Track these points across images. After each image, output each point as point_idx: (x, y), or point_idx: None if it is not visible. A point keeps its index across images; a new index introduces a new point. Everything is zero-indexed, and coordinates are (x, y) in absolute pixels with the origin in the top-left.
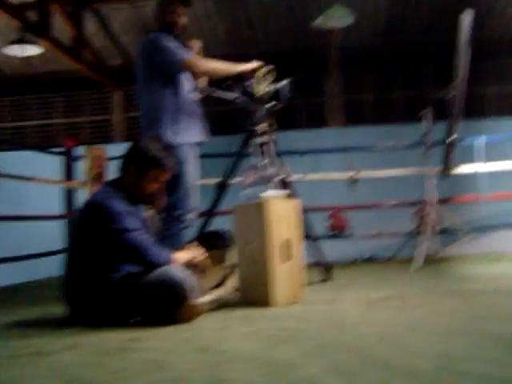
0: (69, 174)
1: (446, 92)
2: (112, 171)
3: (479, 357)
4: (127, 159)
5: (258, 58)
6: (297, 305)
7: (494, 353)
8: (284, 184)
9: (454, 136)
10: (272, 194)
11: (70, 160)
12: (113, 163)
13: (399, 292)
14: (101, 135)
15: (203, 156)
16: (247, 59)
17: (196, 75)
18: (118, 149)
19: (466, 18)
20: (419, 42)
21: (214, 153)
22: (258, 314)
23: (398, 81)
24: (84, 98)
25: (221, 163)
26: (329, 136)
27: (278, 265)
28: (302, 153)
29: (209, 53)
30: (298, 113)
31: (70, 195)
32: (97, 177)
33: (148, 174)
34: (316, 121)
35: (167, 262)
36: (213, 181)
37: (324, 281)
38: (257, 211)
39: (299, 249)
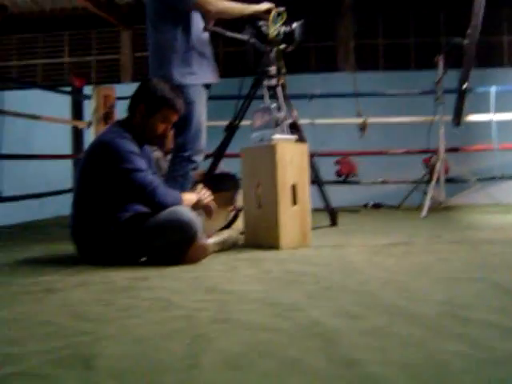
0: (77, 114)
1: (461, 39)
2: (120, 111)
3: (482, 305)
4: (136, 99)
5: None
6: (303, 248)
7: (497, 302)
8: (293, 128)
9: (466, 84)
10: (281, 137)
11: (78, 99)
12: (121, 103)
13: (406, 239)
14: (109, 75)
15: (210, 98)
16: (257, 1)
17: (209, 15)
18: (127, 89)
19: None
20: None
21: (222, 95)
22: (265, 256)
23: (411, 26)
24: (92, 37)
25: (228, 105)
26: (339, 81)
27: (285, 208)
28: (311, 97)
29: None
30: (308, 56)
31: (77, 135)
32: (105, 117)
33: (157, 114)
34: (327, 65)
35: (175, 203)
36: (221, 123)
37: (330, 226)
38: (266, 154)
39: (306, 193)
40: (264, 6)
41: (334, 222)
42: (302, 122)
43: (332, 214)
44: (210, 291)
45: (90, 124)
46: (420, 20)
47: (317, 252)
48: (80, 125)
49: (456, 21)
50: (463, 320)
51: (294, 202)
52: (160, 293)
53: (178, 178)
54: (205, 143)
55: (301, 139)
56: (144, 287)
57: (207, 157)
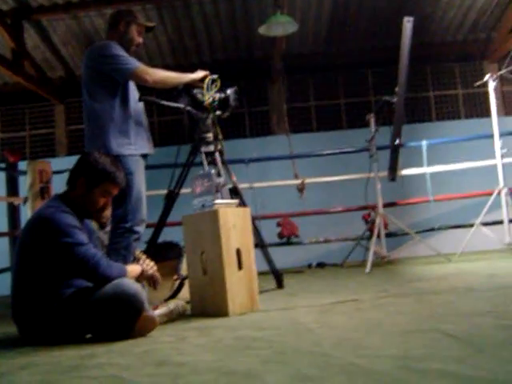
0: (13, 190)
1: (390, 97)
2: (57, 186)
3: (438, 355)
4: (76, 172)
5: (201, 67)
6: (252, 313)
7: (451, 351)
8: (233, 192)
9: (399, 140)
10: (223, 202)
11: (13, 175)
12: (57, 178)
13: (353, 295)
14: (44, 149)
15: (147, 167)
16: (190, 69)
17: (147, 84)
18: (63, 163)
19: (407, 25)
20: (361, 49)
21: (158, 163)
22: (214, 324)
23: (340, 87)
24: (25, 112)
25: (165, 174)
26: (274, 144)
27: (231, 273)
28: (248, 161)
29: (151, 63)
30: (243, 121)
31: (14, 211)
32: (41, 191)
33: (98, 187)
34: (261, 129)
35: (120, 275)
36: (158, 192)
37: (277, 288)
38: (208, 220)
39: (252, 257)
40: (199, 74)
41: (280, 285)
42: (241, 186)
43: (277, 277)
44: (161, 364)
45: (26, 200)
46: (349, 81)
47: (266, 316)
48: (16, 201)
49: (383, 79)
50: (421, 372)
51: (240, 266)
52: (110, 370)
53: (120, 249)
54: (145, 213)
55: (242, 203)
56: (92, 365)
57: (148, 226)
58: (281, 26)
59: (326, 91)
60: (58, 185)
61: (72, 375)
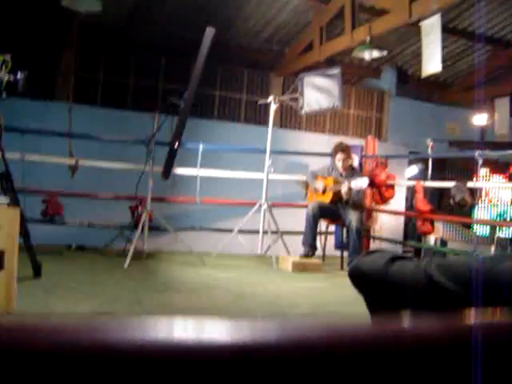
0: None
1: (178, 100)
2: None
3: None
4: None
5: None
6: (6, 315)
7: None
8: (5, 179)
9: (177, 144)
10: None
11: None
12: None
13: (108, 302)
14: None
15: None
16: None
17: None
18: None
19: (209, 34)
20: (160, 34)
21: None
22: None
23: (132, 67)
24: None
25: None
26: (54, 111)
27: None
28: (24, 132)
29: None
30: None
31: None
32: None
33: None
34: (42, 91)
35: None
36: None
37: (34, 277)
38: None
39: (14, 260)
40: None
41: (37, 273)
42: (12, 156)
43: (36, 265)
44: None
45: None
46: (142, 62)
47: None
48: None
49: (176, 69)
50: None
51: (1, 267)
52: None
53: None
54: None
55: (14, 201)
56: None
57: None
58: (85, 2)
59: (117, 68)
60: None
61: None
